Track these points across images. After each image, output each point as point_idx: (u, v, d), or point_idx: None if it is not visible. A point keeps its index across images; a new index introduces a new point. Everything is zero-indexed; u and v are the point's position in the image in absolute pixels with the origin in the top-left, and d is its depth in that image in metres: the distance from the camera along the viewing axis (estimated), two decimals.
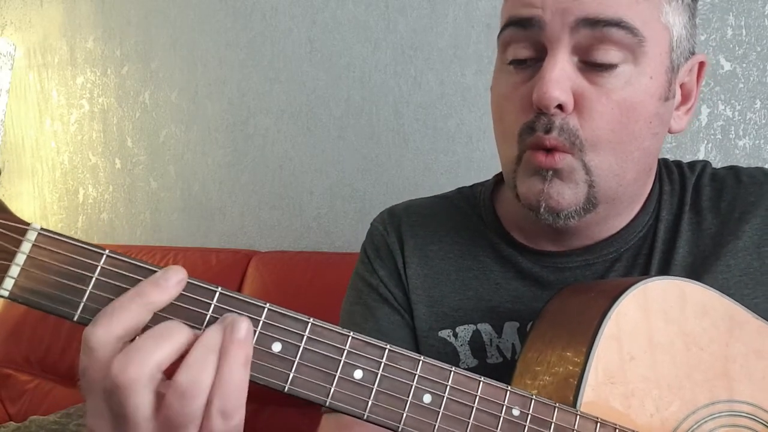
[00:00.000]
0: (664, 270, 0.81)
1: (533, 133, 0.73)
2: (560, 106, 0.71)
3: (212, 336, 0.53)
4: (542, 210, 0.75)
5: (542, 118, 0.72)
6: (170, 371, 0.52)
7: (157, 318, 0.53)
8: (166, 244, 2.13)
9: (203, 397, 0.51)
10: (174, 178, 2.11)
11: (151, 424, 0.51)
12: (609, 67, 0.71)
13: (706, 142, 1.46)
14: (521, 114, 0.75)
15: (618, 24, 0.69)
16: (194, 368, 0.51)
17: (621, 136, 0.73)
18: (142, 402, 0.51)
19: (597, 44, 0.70)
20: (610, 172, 0.74)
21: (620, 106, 0.72)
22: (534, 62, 0.74)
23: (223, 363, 0.52)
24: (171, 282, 0.53)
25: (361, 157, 1.80)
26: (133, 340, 0.52)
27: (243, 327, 0.53)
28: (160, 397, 0.52)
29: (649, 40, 0.71)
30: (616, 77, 0.71)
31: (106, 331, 0.51)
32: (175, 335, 0.52)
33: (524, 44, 0.74)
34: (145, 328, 0.53)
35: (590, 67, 0.72)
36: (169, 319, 0.54)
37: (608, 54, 0.71)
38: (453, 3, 1.67)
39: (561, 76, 0.70)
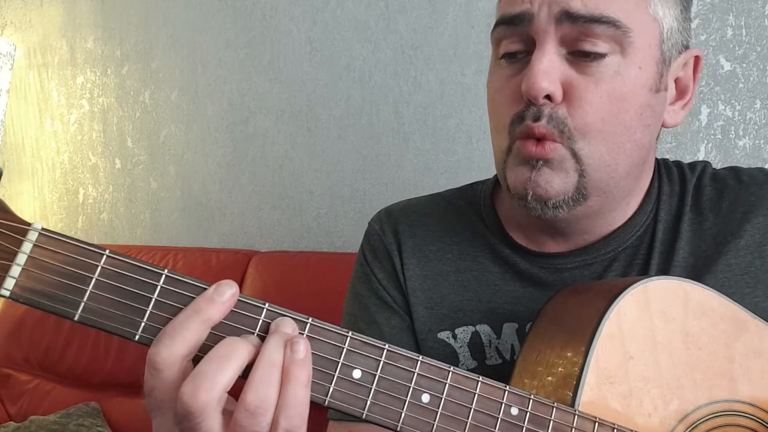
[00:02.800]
0: (664, 271, 0.81)
1: (522, 122, 0.74)
2: (549, 97, 0.72)
3: (273, 351, 0.54)
4: (530, 198, 0.75)
5: (532, 108, 0.73)
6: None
7: None
8: (166, 244, 2.13)
9: (270, 413, 0.53)
10: (174, 178, 2.11)
11: None
12: (596, 57, 0.72)
13: (706, 142, 1.46)
14: (512, 105, 0.75)
15: (599, 20, 0.70)
16: (261, 386, 0.53)
17: (611, 126, 0.73)
18: (213, 424, 0.52)
19: (582, 37, 0.71)
20: (602, 162, 0.74)
21: (609, 96, 0.72)
22: (524, 56, 0.75)
23: (287, 384, 0.54)
24: (226, 296, 0.55)
25: (361, 157, 1.80)
26: (195, 357, 0.54)
27: (302, 347, 0.55)
28: (226, 414, 0.53)
29: (636, 31, 0.72)
30: (604, 67, 0.72)
31: (170, 352, 0.53)
32: (238, 353, 0.53)
33: (515, 39, 0.75)
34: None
35: (578, 57, 0.72)
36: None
37: (595, 46, 0.71)
38: (453, 3, 1.67)
39: (549, 66, 0.71)
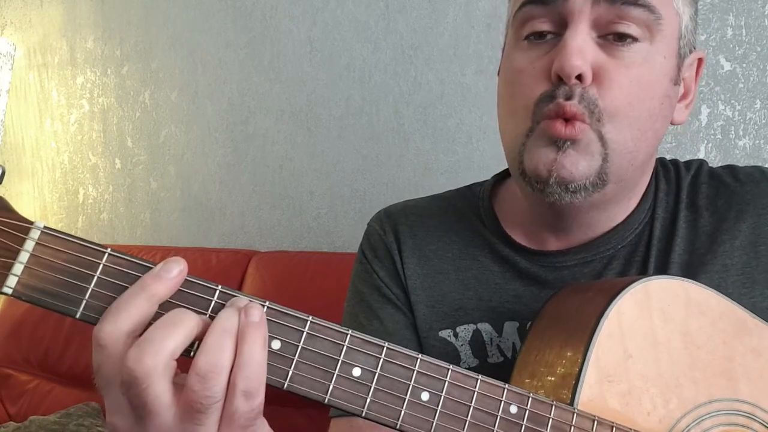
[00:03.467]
0: (662, 268, 0.81)
1: (553, 101, 0.72)
2: (579, 77, 0.71)
3: (226, 319, 0.54)
4: (552, 181, 0.73)
5: (563, 86, 0.72)
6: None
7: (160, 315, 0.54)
8: (166, 244, 2.13)
9: (224, 379, 0.52)
10: (174, 178, 2.12)
11: (172, 412, 0.52)
12: (628, 42, 0.72)
13: (706, 142, 1.46)
14: (538, 85, 0.74)
15: (635, 2, 0.71)
16: (213, 351, 0.52)
17: (638, 112, 0.73)
18: (161, 391, 0.51)
19: (616, 20, 0.71)
20: (625, 148, 0.74)
21: (639, 81, 0.73)
22: (553, 37, 0.75)
23: (243, 345, 0.53)
24: (172, 273, 0.54)
25: (361, 157, 1.81)
26: (141, 334, 0.53)
27: (256, 311, 0.54)
28: (178, 387, 0.53)
29: (665, 18, 0.73)
30: (634, 52, 0.72)
31: (114, 327, 0.52)
32: (184, 322, 0.53)
33: (544, 19, 0.75)
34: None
35: (609, 41, 0.72)
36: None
37: (627, 29, 0.72)
38: (453, 3, 1.67)
39: (583, 45, 0.71)
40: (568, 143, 0.72)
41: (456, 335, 0.86)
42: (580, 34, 0.71)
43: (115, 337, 0.52)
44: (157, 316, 0.54)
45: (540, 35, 0.75)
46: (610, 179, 0.74)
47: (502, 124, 0.81)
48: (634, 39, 0.72)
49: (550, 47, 0.74)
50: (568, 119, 0.72)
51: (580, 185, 0.73)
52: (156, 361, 0.51)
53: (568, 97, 0.71)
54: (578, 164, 0.72)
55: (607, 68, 0.72)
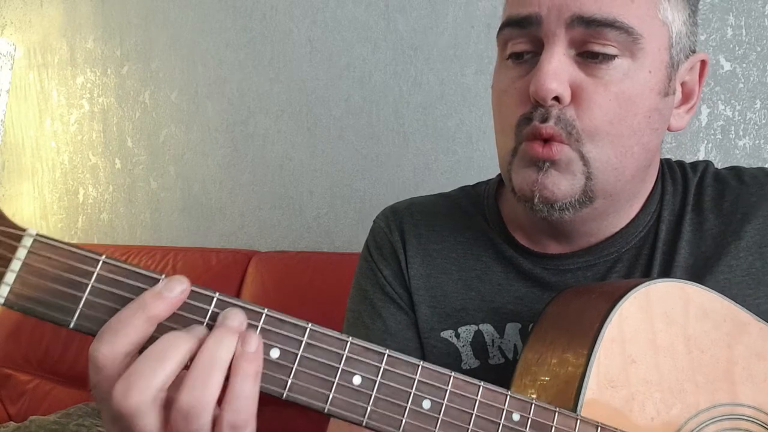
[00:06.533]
0: (666, 271, 0.81)
1: (530, 124, 0.73)
2: (557, 98, 0.71)
3: (215, 348, 0.52)
4: (536, 201, 0.74)
5: (539, 109, 0.72)
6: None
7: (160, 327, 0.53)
8: (166, 244, 2.13)
9: (208, 415, 0.51)
10: (174, 178, 2.11)
11: None
12: (606, 59, 0.71)
13: (706, 142, 1.46)
14: (519, 107, 0.75)
15: (612, 24, 0.70)
16: (196, 388, 0.50)
17: (620, 129, 0.73)
18: (148, 423, 0.50)
19: (592, 39, 0.71)
20: (609, 165, 0.74)
21: (618, 98, 0.72)
22: (532, 57, 0.75)
23: (235, 377, 0.51)
24: (174, 293, 0.52)
25: (361, 157, 1.80)
26: (140, 351, 0.52)
27: (254, 340, 0.52)
28: (168, 410, 0.51)
29: (647, 36, 0.72)
30: (614, 69, 0.71)
31: (111, 349, 0.51)
32: (175, 353, 0.51)
33: (523, 40, 0.75)
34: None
35: (587, 59, 0.72)
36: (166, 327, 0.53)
37: (605, 48, 0.71)
38: (453, 3, 1.67)
39: (558, 68, 0.71)
40: (548, 163, 0.73)
41: (458, 336, 0.86)
42: (556, 56, 0.71)
43: (112, 358, 0.51)
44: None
45: (520, 55, 0.76)
46: (597, 195, 0.75)
47: (496, 138, 0.82)
48: (612, 56, 0.71)
49: (530, 68, 0.74)
50: (546, 140, 0.72)
51: (564, 204, 0.74)
52: (144, 396, 0.49)
53: (544, 120, 0.72)
54: (560, 184, 0.73)
55: (585, 87, 0.72)
